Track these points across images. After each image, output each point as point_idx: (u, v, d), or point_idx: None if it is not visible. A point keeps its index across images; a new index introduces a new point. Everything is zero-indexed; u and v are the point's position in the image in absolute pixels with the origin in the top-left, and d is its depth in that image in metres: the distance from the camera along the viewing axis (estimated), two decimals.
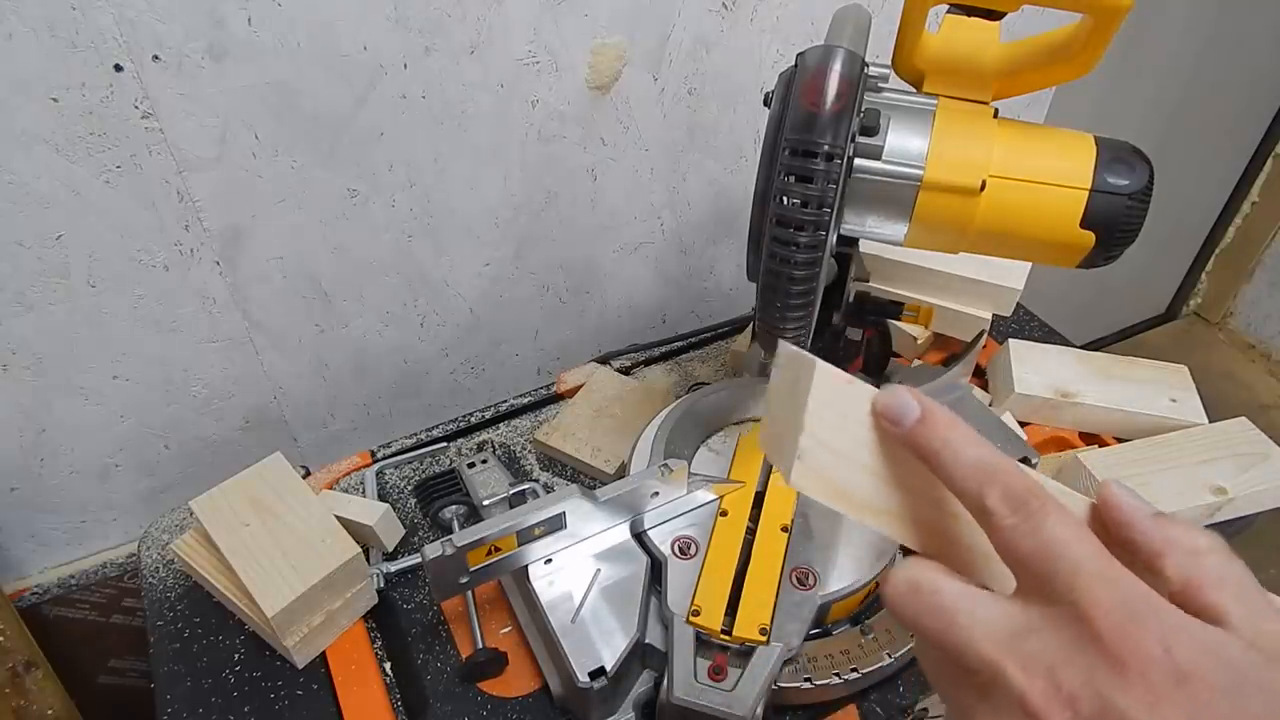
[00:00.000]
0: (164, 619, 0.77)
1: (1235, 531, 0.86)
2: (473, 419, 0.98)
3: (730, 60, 1.01)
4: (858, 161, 0.62)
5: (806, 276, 0.59)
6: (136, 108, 0.73)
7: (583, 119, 0.96)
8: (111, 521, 0.99)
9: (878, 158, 0.62)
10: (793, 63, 0.58)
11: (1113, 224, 0.61)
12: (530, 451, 0.94)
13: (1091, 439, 0.94)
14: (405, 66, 0.82)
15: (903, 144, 0.62)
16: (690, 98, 1.02)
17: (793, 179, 0.56)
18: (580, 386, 0.99)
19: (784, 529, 0.73)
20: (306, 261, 0.90)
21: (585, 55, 0.91)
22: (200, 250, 0.84)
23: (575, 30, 0.89)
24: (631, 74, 0.96)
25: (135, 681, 1.10)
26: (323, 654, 0.74)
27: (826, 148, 0.55)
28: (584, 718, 0.66)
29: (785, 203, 0.57)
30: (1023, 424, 0.93)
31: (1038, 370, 0.93)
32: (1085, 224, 0.61)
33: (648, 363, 1.06)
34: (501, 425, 0.98)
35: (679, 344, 1.09)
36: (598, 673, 0.63)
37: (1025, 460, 0.83)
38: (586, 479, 0.90)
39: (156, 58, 0.72)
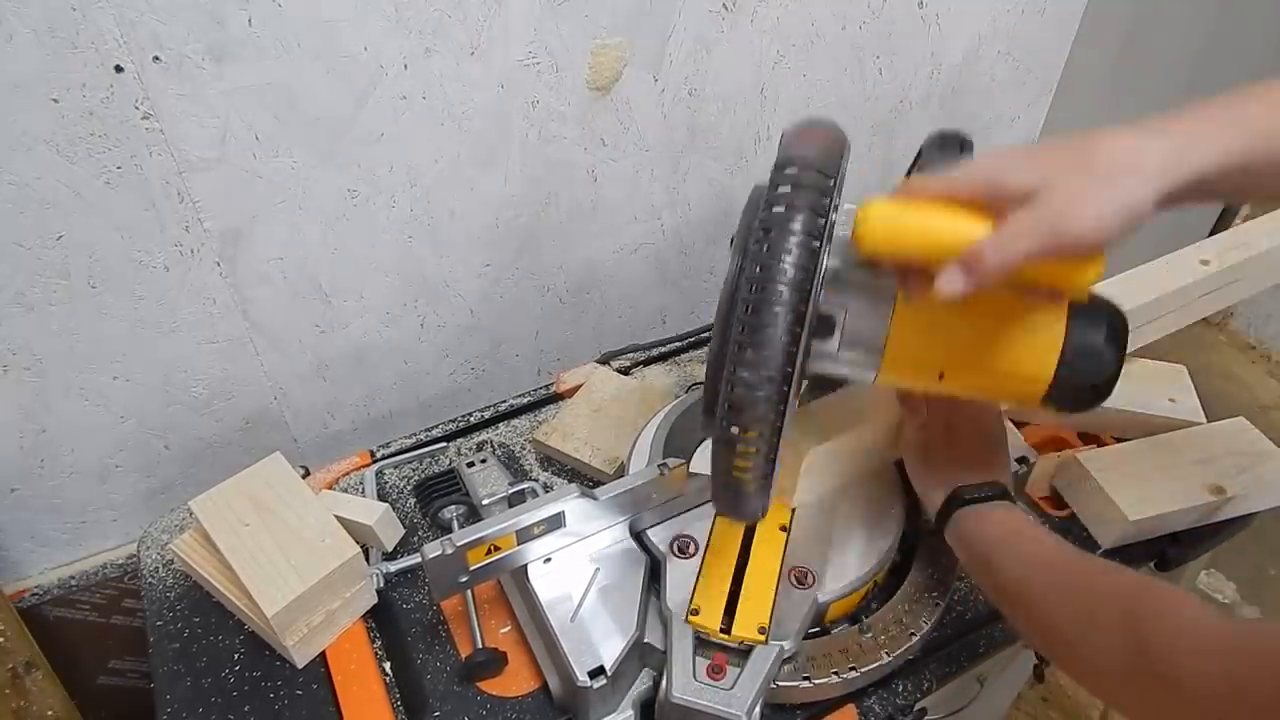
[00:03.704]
0: (164, 619, 0.78)
1: (1234, 531, 0.86)
2: (472, 419, 0.98)
3: (731, 61, 1.01)
4: (814, 355, 0.59)
5: (762, 470, 0.53)
6: (137, 108, 0.73)
7: (583, 119, 0.96)
8: (111, 522, 0.99)
9: (832, 356, 0.59)
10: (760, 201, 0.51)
11: (1073, 404, 0.60)
12: (529, 451, 0.94)
13: (1090, 439, 0.95)
14: (405, 67, 0.82)
15: (860, 334, 0.59)
16: (690, 98, 1.02)
17: (737, 407, 0.50)
18: (579, 386, 0.99)
19: (782, 528, 0.73)
20: (307, 262, 0.90)
21: (586, 56, 0.91)
22: (200, 251, 0.84)
23: (575, 31, 0.89)
24: (632, 74, 0.96)
25: (135, 682, 1.10)
26: (322, 654, 0.74)
27: (770, 393, 0.49)
28: (583, 716, 0.66)
29: (731, 423, 0.50)
30: (1021, 424, 0.93)
31: None
32: (1045, 404, 0.60)
33: (647, 362, 1.06)
34: (501, 425, 0.98)
35: (679, 344, 1.09)
36: (597, 671, 0.63)
37: (1023, 460, 0.84)
38: (585, 479, 0.90)
39: (157, 58, 0.72)
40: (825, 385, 0.81)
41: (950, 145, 0.59)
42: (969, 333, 0.59)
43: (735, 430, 0.50)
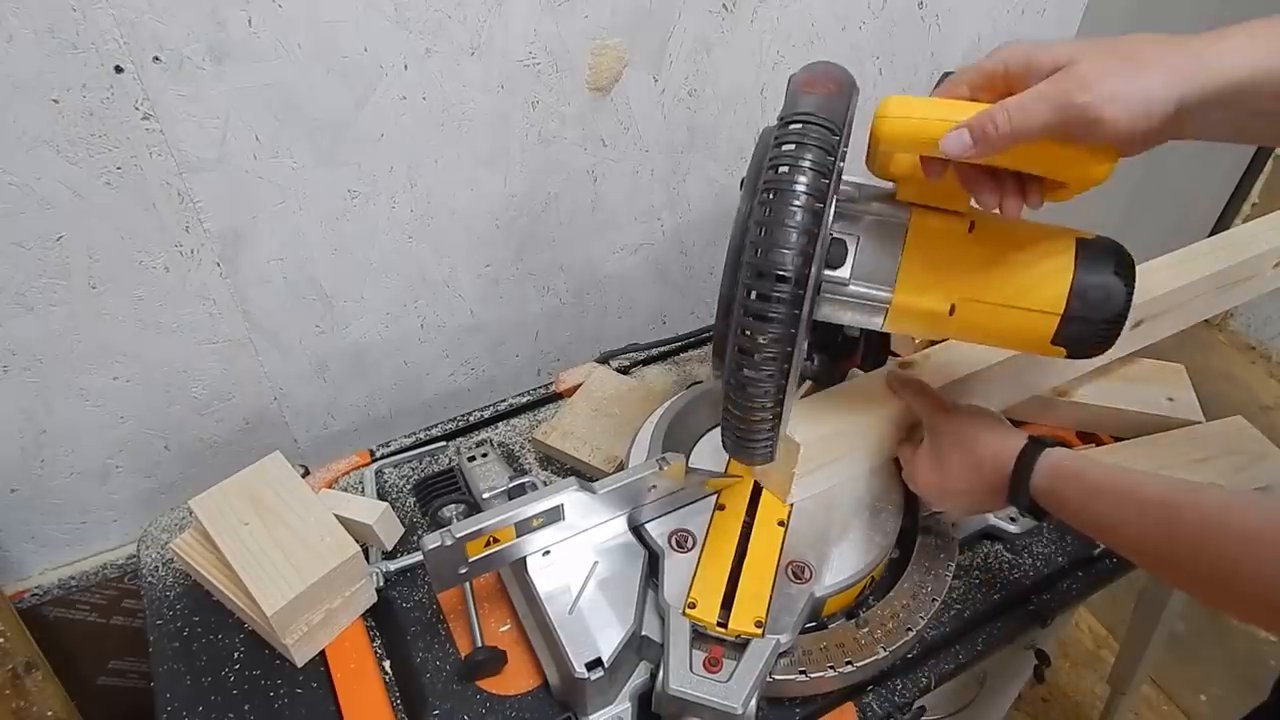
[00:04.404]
0: (164, 618, 0.78)
1: None
2: (472, 419, 0.98)
3: (731, 61, 1.02)
4: (825, 284, 0.60)
5: (773, 400, 0.56)
6: (137, 109, 0.74)
7: (583, 120, 0.97)
8: (111, 522, 0.99)
9: (845, 284, 0.61)
10: (772, 138, 0.55)
11: (1084, 343, 0.60)
12: (529, 451, 0.95)
13: (1089, 438, 0.95)
14: (405, 68, 0.82)
15: (872, 264, 0.60)
16: (690, 99, 1.02)
17: (752, 318, 0.53)
18: (579, 386, 0.99)
19: (780, 523, 0.73)
20: (307, 263, 0.91)
21: (586, 56, 0.92)
22: (201, 251, 0.84)
23: (575, 31, 0.89)
24: (632, 75, 0.96)
25: (135, 682, 1.10)
26: (322, 652, 0.74)
27: (786, 296, 0.52)
28: (581, 708, 0.66)
29: (747, 334, 0.54)
30: (1020, 423, 0.93)
31: None
32: (1056, 342, 0.60)
33: (647, 362, 1.07)
34: (500, 424, 0.98)
35: (678, 344, 1.09)
36: (594, 664, 0.63)
37: None
38: (585, 478, 0.90)
39: (157, 59, 0.72)
40: (826, 378, 0.81)
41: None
42: (980, 262, 0.60)
43: (751, 341, 0.53)
